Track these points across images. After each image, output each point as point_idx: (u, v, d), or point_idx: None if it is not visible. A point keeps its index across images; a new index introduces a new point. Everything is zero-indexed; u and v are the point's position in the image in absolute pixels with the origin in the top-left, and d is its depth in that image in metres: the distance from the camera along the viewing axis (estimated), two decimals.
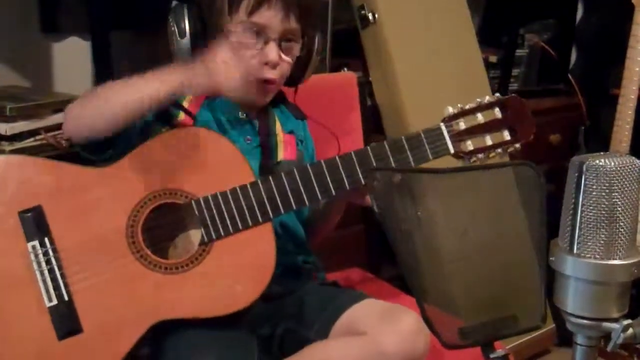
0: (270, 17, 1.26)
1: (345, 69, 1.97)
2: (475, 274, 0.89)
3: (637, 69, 1.99)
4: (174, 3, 1.30)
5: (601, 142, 2.14)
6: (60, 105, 1.59)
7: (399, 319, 1.17)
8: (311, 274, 1.38)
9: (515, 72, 2.56)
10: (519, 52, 2.57)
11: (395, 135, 1.94)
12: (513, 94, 1.28)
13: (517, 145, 1.26)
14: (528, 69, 2.61)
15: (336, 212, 1.44)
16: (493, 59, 2.47)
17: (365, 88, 1.92)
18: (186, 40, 1.27)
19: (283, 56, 1.29)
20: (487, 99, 1.25)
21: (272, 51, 1.27)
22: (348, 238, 1.81)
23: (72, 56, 1.88)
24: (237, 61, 1.26)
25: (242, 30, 1.26)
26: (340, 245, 1.72)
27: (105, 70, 1.78)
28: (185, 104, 1.32)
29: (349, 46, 2.01)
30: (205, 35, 1.28)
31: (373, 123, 1.94)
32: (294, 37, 1.31)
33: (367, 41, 1.94)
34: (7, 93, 1.63)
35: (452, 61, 2.06)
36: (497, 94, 1.28)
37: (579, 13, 2.83)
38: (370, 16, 1.89)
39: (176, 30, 1.27)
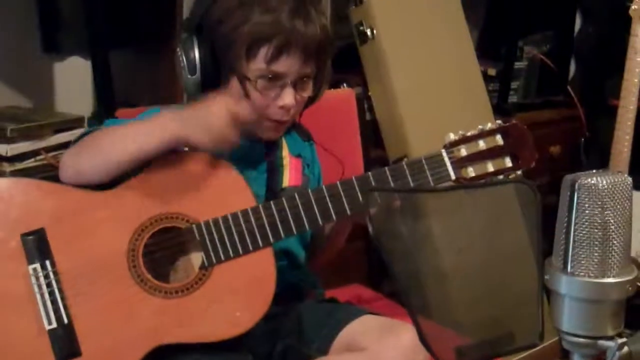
0: (290, 65, 1.23)
1: (344, 84, 1.98)
2: (475, 291, 0.89)
3: (636, 80, 1.99)
4: (183, 35, 1.27)
5: (601, 153, 2.15)
6: (61, 125, 1.60)
7: (398, 335, 1.17)
8: (308, 291, 1.38)
9: (514, 84, 2.56)
10: (518, 65, 2.57)
11: (395, 149, 1.96)
12: (514, 122, 1.28)
13: (519, 172, 1.26)
14: (527, 81, 2.61)
15: (341, 235, 1.44)
16: (492, 72, 2.47)
17: (365, 103, 1.92)
18: (196, 78, 1.24)
19: (298, 98, 1.27)
20: (489, 125, 1.26)
21: (288, 96, 1.25)
22: (349, 254, 1.80)
23: (73, 76, 1.89)
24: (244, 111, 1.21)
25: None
26: (341, 262, 1.72)
27: (106, 89, 1.79)
28: None
29: (347, 61, 2.02)
30: (218, 75, 1.25)
31: (372, 138, 1.94)
32: (309, 77, 1.29)
33: (366, 57, 1.95)
34: (8, 114, 1.64)
35: (450, 75, 2.07)
36: (499, 121, 1.28)
37: (577, 25, 2.84)
38: (368, 32, 1.90)
39: (185, 65, 1.24)
